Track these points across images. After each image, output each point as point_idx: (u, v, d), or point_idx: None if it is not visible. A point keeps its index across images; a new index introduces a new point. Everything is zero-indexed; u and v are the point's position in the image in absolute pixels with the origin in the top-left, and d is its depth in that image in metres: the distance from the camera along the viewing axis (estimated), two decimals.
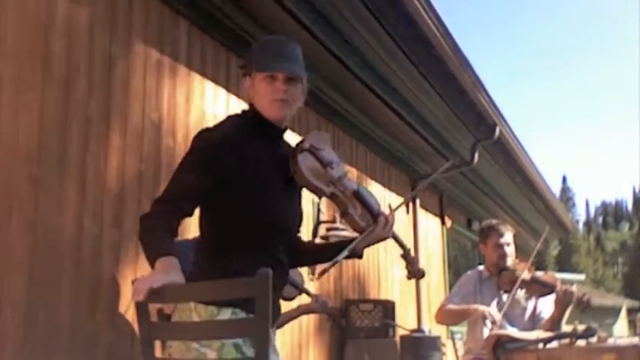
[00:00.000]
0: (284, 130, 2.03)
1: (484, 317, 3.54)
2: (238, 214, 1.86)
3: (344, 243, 2.06)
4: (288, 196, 1.98)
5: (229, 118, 2.03)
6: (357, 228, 2.01)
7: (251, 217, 1.87)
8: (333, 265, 1.95)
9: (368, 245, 2.05)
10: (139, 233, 1.79)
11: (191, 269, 1.87)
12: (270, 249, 1.92)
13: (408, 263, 2.22)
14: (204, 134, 1.94)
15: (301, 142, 2.00)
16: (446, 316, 3.84)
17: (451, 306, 3.78)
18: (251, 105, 2.01)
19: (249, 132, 1.95)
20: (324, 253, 2.10)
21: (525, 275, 3.59)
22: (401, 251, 2.23)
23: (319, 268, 2.03)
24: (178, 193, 1.83)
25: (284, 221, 1.95)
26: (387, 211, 2.06)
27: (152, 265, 1.73)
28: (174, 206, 1.81)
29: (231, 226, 1.87)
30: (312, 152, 1.99)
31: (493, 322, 3.50)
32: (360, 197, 2.02)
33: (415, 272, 2.21)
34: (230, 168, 1.86)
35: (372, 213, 2.02)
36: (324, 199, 2.13)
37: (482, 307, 3.58)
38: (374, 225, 2.00)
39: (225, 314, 1.79)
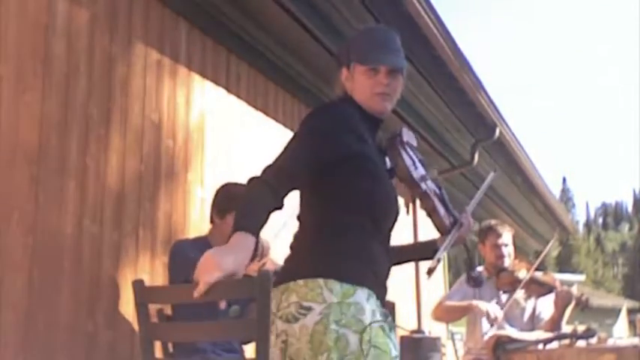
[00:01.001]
0: (382, 122, 1.98)
1: (486, 315, 3.54)
2: (359, 197, 1.79)
3: (424, 244, 2.08)
4: (393, 187, 1.93)
5: (340, 101, 1.96)
6: (443, 228, 1.99)
7: (372, 202, 1.80)
8: (438, 263, 1.95)
9: (450, 247, 2.03)
10: (243, 198, 1.68)
11: (317, 265, 1.72)
12: (383, 237, 1.87)
13: (470, 268, 2.22)
14: (322, 112, 1.89)
15: (398, 135, 1.98)
16: (445, 312, 3.84)
17: (451, 302, 3.78)
18: (348, 95, 1.95)
19: (359, 118, 1.89)
20: (408, 253, 2.13)
21: (525, 276, 3.60)
22: (465, 255, 2.23)
23: (425, 266, 2.02)
24: (295, 166, 1.72)
25: (395, 210, 1.90)
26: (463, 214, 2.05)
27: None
28: (286, 178, 1.68)
29: (352, 211, 1.79)
30: (410, 147, 1.98)
31: (495, 319, 3.49)
32: (442, 198, 2.01)
33: (475, 278, 2.21)
34: (351, 147, 1.79)
35: (452, 214, 2.02)
36: None
37: (483, 304, 3.58)
38: (458, 225, 1.99)
39: (363, 294, 1.70)
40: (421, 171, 1.98)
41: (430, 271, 1.95)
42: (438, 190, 2.01)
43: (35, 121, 2.66)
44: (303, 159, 1.74)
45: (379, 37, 1.97)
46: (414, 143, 2.03)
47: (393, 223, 1.93)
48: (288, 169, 1.70)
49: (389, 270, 1.88)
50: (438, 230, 2.02)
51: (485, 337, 3.52)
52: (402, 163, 1.93)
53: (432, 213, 1.99)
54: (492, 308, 3.54)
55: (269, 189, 1.64)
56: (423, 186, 1.95)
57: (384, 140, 1.99)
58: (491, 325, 3.53)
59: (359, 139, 1.83)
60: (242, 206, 1.64)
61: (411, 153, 1.98)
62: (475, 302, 3.63)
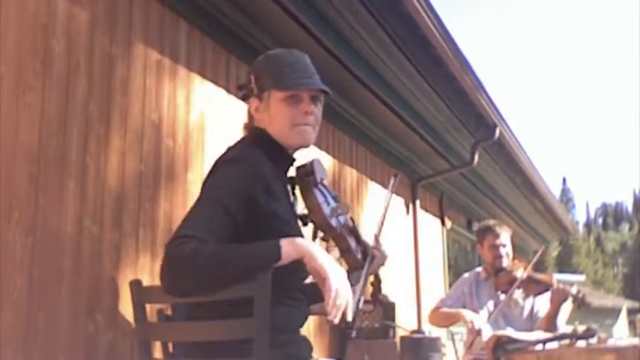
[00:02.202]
0: (294, 161, 1.77)
1: (470, 324, 3.56)
2: None
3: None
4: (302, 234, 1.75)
5: (249, 144, 1.69)
6: (356, 264, 1.84)
7: (279, 271, 1.55)
8: (356, 315, 1.75)
9: (363, 285, 1.84)
10: (193, 270, 1.42)
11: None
12: (297, 292, 1.72)
13: (379, 292, 2.05)
14: (232, 165, 1.61)
15: (310, 172, 1.78)
16: (438, 319, 3.93)
17: (444, 309, 3.83)
18: (261, 129, 1.72)
19: (272, 164, 1.65)
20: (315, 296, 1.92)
21: (522, 275, 3.61)
22: (372, 279, 2.06)
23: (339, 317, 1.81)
24: (207, 230, 1.48)
25: (305, 270, 1.68)
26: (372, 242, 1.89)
27: (272, 257, 1.47)
28: (211, 236, 1.47)
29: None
30: (323, 185, 1.81)
31: (478, 331, 3.50)
32: (355, 229, 1.86)
33: (382, 301, 2.10)
34: (264, 208, 1.57)
35: (363, 243, 1.87)
36: None
37: (469, 314, 3.60)
38: (370, 259, 1.84)
39: None
40: (335, 207, 1.80)
41: (349, 328, 1.74)
42: (350, 223, 1.85)
43: (35, 121, 2.65)
44: (214, 218, 1.50)
45: (296, 60, 1.73)
46: (325, 177, 1.85)
47: (304, 279, 1.74)
48: (199, 231, 1.46)
49: (304, 320, 1.73)
50: (349, 266, 1.85)
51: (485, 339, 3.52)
52: (318, 208, 1.74)
53: (344, 252, 1.83)
54: (477, 319, 3.54)
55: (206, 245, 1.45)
56: (335, 223, 1.77)
57: (294, 175, 1.80)
58: (473, 336, 3.54)
59: (271, 195, 1.59)
60: (231, 251, 1.47)
61: (324, 190, 1.82)
62: (462, 311, 3.65)
